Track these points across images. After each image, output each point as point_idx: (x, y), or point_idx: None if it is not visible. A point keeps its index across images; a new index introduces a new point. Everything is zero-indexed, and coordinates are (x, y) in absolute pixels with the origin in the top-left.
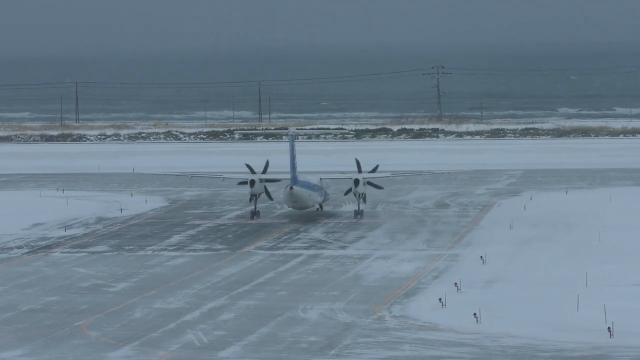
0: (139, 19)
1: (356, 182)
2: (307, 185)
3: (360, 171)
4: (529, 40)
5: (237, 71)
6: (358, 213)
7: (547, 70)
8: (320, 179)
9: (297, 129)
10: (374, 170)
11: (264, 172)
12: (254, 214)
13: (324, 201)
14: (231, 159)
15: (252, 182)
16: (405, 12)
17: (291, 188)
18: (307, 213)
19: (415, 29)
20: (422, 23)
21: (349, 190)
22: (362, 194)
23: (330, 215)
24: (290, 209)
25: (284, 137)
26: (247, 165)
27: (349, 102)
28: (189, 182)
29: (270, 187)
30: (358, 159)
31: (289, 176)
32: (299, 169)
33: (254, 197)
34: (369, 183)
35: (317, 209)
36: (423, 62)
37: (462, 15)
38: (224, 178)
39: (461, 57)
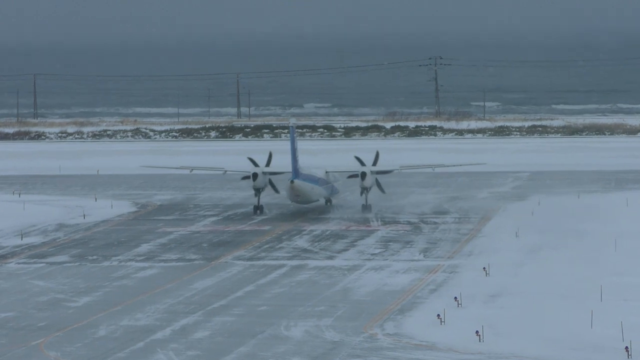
0: (104, 5)
1: (363, 175)
2: (311, 179)
3: (375, 164)
4: (538, 29)
5: (213, 62)
6: (365, 207)
7: (558, 61)
8: (327, 172)
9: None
10: (375, 162)
11: (268, 164)
12: (257, 209)
13: (331, 195)
14: (207, 159)
15: (255, 176)
16: None
17: (292, 181)
18: (307, 210)
19: (412, 16)
20: (420, 10)
21: (355, 176)
22: (370, 187)
23: (319, 220)
24: (294, 204)
25: (265, 135)
26: (250, 160)
27: (338, 96)
28: (159, 185)
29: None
30: (358, 156)
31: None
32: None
33: (257, 191)
34: (378, 177)
35: (327, 204)
36: (420, 52)
37: (464, 1)
38: (225, 172)
39: (463, 48)
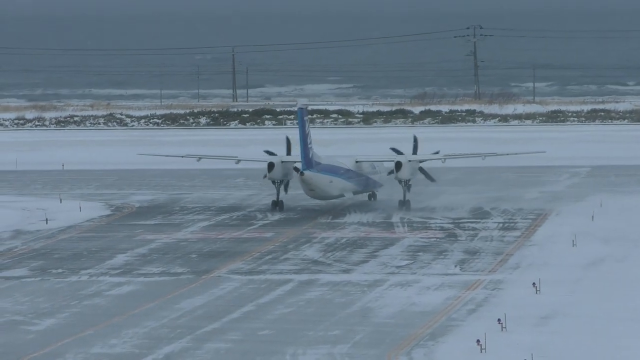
0: None
1: (398, 165)
2: (330, 170)
3: (415, 152)
4: None
5: (203, 33)
6: (403, 204)
7: (624, 32)
8: (357, 161)
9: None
10: (415, 149)
11: (289, 153)
12: (277, 204)
13: (367, 189)
14: (194, 150)
15: (271, 166)
16: None
17: (302, 173)
18: (320, 212)
19: None
20: None
21: (391, 172)
22: (408, 180)
23: (332, 225)
24: (316, 200)
25: (267, 121)
26: (267, 152)
27: (356, 74)
28: (137, 183)
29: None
30: (417, 136)
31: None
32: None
33: (275, 184)
34: (421, 170)
35: (370, 199)
36: (456, 20)
37: None
38: (239, 160)
39: (508, 15)
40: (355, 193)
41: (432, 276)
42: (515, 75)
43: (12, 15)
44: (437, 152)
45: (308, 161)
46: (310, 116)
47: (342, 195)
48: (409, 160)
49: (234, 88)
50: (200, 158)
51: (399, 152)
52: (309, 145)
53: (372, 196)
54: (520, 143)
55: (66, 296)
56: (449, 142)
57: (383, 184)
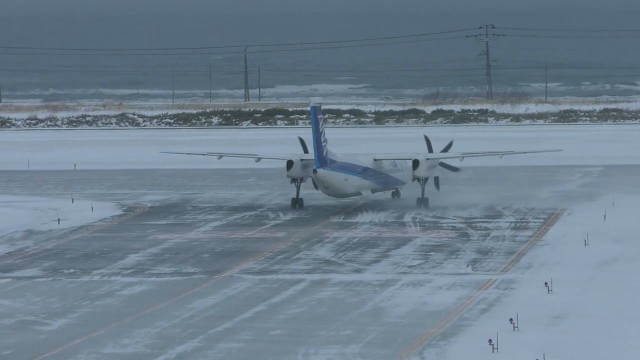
0: None
1: (416, 163)
2: (345, 168)
3: (430, 150)
4: None
5: (215, 33)
6: (422, 202)
7: (636, 30)
8: (375, 159)
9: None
10: (446, 149)
11: (305, 151)
12: (296, 202)
13: (387, 187)
14: (208, 150)
15: (290, 164)
16: None
17: (315, 170)
18: (331, 212)
19: None
20: None
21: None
22: (426, 178)
23: (344, 225)
24: (330, 199)
25: (279, 121)
26: (300, 139)
27: (367, 74)
28: (149, 182)
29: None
30: (427, 136)
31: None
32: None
33: (296, 182)
34: (442, 165)
35: (394, 197)
36: (468, 20)
37: None
38: (259, 158)
39: (520, 14)
40: (373, 191)
41: (444, 276)
42: (527, 74)
43: (19, 14)
44: (450, 144)
45: (322, 159)
46: (322, 116)
47: (359, 194)
48: (427, 159)
49: (246, 88)
50: (221, 156)
51: (429, 142)
52: (323, 144)
53: (396, 194)
54: (533, 142)
55: (78, 296)
56: (461, 141)
57: (406, 181)
